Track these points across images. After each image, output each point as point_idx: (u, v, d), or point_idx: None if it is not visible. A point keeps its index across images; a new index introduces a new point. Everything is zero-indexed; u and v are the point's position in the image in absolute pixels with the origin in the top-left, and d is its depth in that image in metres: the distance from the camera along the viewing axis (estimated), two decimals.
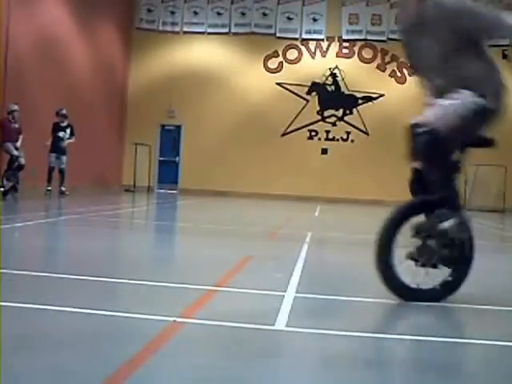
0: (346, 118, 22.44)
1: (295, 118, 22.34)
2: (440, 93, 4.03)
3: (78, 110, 16.83)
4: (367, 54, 22.44)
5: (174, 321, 3.24)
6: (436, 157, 3.89)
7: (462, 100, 3.86)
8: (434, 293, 3.99)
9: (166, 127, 22.62)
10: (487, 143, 4.41)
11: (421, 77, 4.22)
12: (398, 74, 22.28)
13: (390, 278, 3.97)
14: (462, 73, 3.98)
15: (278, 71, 22.48)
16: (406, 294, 3.97)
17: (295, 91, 22.41)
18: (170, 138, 22.53)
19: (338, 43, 22.37)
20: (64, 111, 15.51)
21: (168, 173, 22.46)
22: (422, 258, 3.96)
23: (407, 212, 4.14)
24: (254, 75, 22.39)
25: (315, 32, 22.22)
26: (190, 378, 2.48)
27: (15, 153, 13.36)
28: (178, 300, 3.88)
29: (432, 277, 3.97)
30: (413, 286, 3.97)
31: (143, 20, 22.54)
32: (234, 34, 22.24)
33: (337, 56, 22.46)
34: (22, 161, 13.43)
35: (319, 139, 22.51)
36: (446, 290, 4.02)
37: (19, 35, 14.73)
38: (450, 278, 4.01)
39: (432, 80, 4.13)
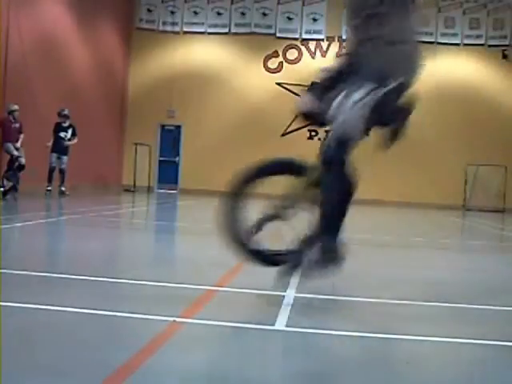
0: None
1: (295, 118, 22.32)
2: (355, 41, 3.74)
3: (77, 109, 16.82)
4: None
5: (174, 321, 3.24)
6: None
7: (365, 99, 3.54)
8: None
9: (166, 127, 22.61)
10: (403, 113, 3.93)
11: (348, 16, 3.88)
12: None
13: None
14: (384, 30, 3.62)
15: (278, 71, 22.48)
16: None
17: (295, 91, 22.39)
18: (170, 138, 22.51)
19: (338, 43, 22.34)
20: (66, 112, 15.52)
21: (168, 173, 22.45)
22: None
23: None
24: (254, 75, 22.38)
25: (315, 32, 22.21)
26: (189, 377, 2.48)
27: (15, 153, 13.36)
28: (178, 300, 3.88)
29: None
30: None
31: (143, 20, 22.53)
32: (234, 34, 22.24)
33: (337, 56, 22.41)
34: (23, 161, 13.42)
35: (319, 139, 22.49)
36: None
37: (19, 35, 14.72)
38: None
39: (351, 20, 3.80)
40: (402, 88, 3.66)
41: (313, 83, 3.99)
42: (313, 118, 3.93)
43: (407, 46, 3.73)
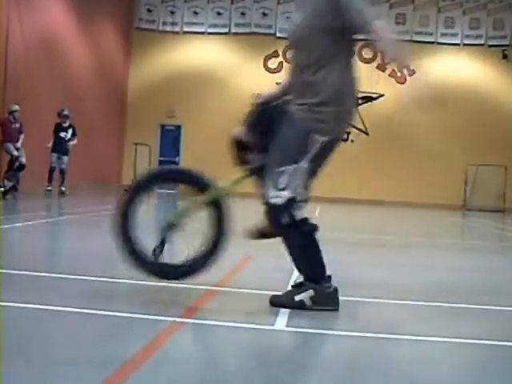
0: None
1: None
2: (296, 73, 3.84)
3: (77, 109, 16.82)
4: (367, 53, 22.42)
5: (174, 321, 3.24)
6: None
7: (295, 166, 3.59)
8: None
9: (166, 127, 22.61)
10: None
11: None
12: (398, 73, 22.25)
13: None
14: (322, 82, 3.63)
15: (277, 71, 22.46)
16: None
17: None
18: (170, 138, 22.51)
19: None
20: (66, 112, 15.52)
21: None
22: None
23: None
24: (254, 75, 22.37)
25: None
26: (189, 378, 2.48)
27: (15, 153, 13.38)
28: (178, 300, 3.88)
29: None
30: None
31: (143, 20, 22.53)
32: (234, 34, 22.24)
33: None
34: (23, 160, 13.47)
35: None
36: None
37: (19, 35, 14.72)
38: None
39: (293, 54, 3.89)
40: (328, 146, 3.65)
41: (249, 113, 4.02)
42: (243, 149, 3.99)
43: (340, 108, 3.65)
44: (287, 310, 3.62)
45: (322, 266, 3.74)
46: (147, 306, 3.63)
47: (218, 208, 3.97)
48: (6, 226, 7.54)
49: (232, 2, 22.28)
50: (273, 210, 3.70)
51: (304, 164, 3.59)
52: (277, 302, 3.72)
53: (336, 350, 3.03)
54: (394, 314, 3.94)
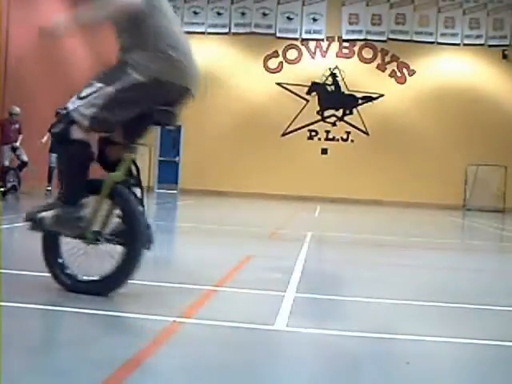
0: (345, 118, 22.43)
1: (295, 117, 22.33)
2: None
3: None
4: (367, 53, 22.43)
5: (174, 321, 3.24)
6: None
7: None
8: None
9: (166, 127, 22.58)
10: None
11: None
12: (398, 73, 22.29)
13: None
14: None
15: (278, 71, 22.48)
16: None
17: (295, 91, 22.41)
18: (170, 138, 22.51)
19: (338, 43, 22.36)
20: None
21: (168, 173, 22.44)
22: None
23: None
24: (254, 75, 22.38)
25: (315, 32, 22.21)
26: (189, 378, 2.48)
27: (6, 163, 13.44)
28: (178, 300, 3.88)
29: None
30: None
31: None
32: (234, 34, 22.23)
33: (337, 56, 22.45)
34: (25, 158, 13.57)
35: (319, 139, 22.50)
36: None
37: (19, 36, 14.73)
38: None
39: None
40: (140, 85, 3.75)
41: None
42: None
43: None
44: (287, 310, 3.62)
45: (77, 192, 3.69)
46: (147, 306, 3.62)
47: (118, 197, 3.76)
48: (5, 226, 7.54)
49: (232, 2, 22.28)
50: (63, 119, 3.71)
51: (111, 89, 3.64)
52: (25, 217, 3.71)
53: (336, 350, 3.02)
54: (393, 313, 3.94)
